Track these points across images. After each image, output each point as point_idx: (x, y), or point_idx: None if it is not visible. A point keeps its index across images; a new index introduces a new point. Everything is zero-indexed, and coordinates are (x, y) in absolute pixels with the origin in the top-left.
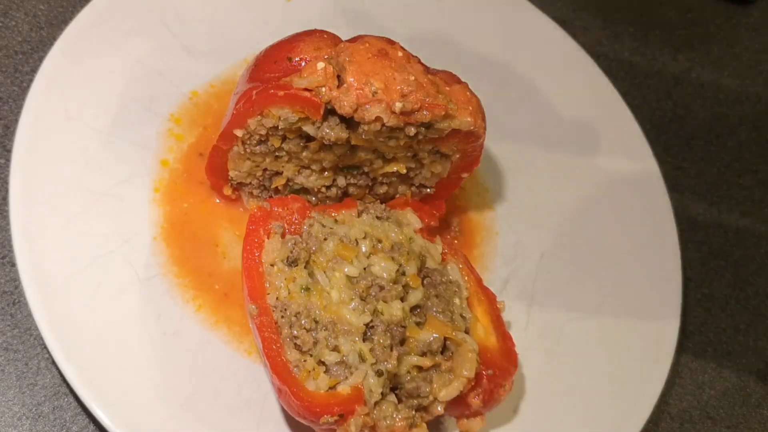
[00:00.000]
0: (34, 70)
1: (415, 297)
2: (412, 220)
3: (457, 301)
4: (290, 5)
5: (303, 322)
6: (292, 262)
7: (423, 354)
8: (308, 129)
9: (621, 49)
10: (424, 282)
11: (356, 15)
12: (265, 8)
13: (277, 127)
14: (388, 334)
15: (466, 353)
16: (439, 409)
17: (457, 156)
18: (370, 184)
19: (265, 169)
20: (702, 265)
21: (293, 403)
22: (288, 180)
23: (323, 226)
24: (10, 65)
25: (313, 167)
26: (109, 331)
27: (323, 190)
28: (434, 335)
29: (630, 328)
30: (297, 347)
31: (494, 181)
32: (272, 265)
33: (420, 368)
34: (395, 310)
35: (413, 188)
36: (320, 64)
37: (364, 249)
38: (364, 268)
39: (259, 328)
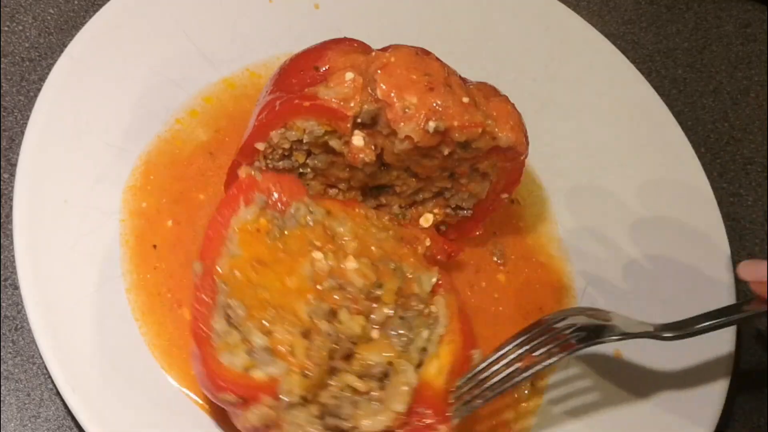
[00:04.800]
0: (42, 79)
1: (380, 315)
2: (419, 241)
3: (425, 333)
4: (318, 11)
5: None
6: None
7: (361, 377)
8: (334, 144)
9: (674, 66)
10: (398, 303)
11: (389, 23)
12: (291, 14)
13: (302, 140)
14: (331, 341)
15: (399, 385)
16: None
17: (496, 175)
18: (402, 205)
19: None
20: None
21: (200, 370)
22: None
23: (311, 212)
24: (17, 73)
25: (341, 186)
26: (118, 361)
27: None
28: (378, 360)
29: (678, 367)
30: (227, 318)
31: (535, 206)
32: (237, 232)
33: (355, 390)
34: (356, 325)
35: (449, 210)
36: (349, 75)
37: (346, 249)
38: (337, 267)
39: (197, 287)
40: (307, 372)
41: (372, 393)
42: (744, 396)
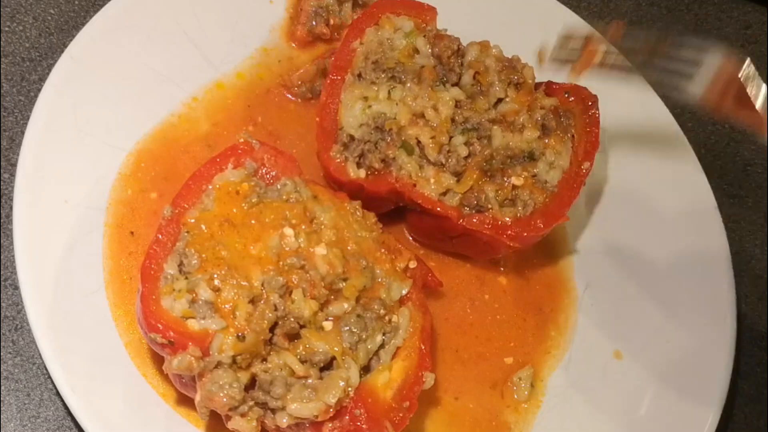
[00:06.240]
0: (42, 79)
1: (338, 308)
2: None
3: (378, 338)
4: None
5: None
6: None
7: (303, 361)
8: (420, 44)
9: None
10: (359, 301)
11: None
12: None
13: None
14: (277, 315)
15: (336, 379)
16: (284, 420)
17: (577, 133)
18: (488, 157)
19: (376, 127)
20: (758, 301)
21: (139, 306)
22: (399, 130)
23: (297, 191)
24: (17, 73)
25: (428, 114)
26: (118, 361)
27: (440, 157)
28: (323, 349)
29: (678, 369)
30: (181, 265)
31: None
32: (216, 189)
33: (292, 372)
34: (307, 308)
35: (536, 183)
36: None
37: (321, 235)
38: (306, 249)
39: (160, 229)
40: (242, 335)
41: (309, 380)
42: (744, 397)
